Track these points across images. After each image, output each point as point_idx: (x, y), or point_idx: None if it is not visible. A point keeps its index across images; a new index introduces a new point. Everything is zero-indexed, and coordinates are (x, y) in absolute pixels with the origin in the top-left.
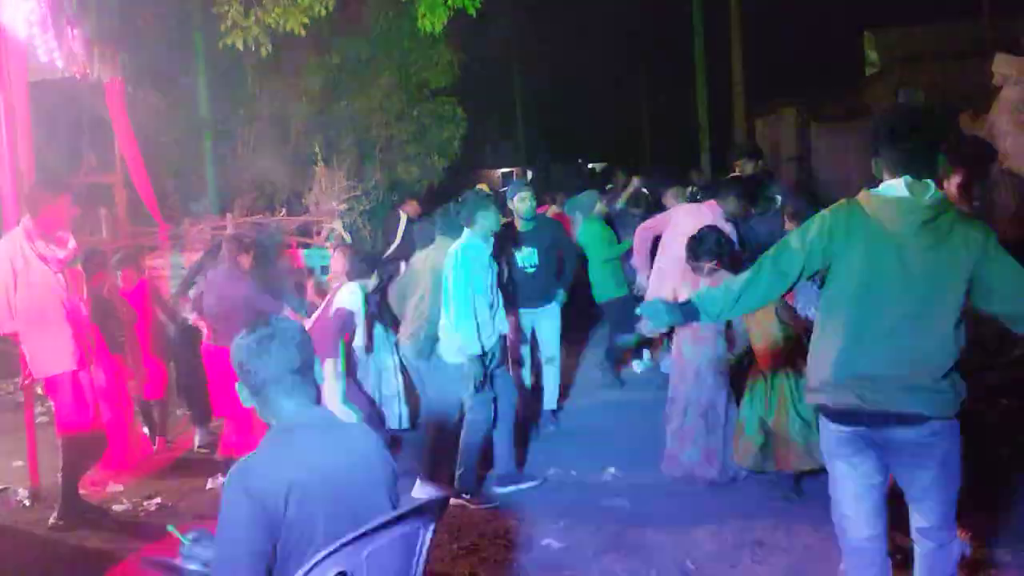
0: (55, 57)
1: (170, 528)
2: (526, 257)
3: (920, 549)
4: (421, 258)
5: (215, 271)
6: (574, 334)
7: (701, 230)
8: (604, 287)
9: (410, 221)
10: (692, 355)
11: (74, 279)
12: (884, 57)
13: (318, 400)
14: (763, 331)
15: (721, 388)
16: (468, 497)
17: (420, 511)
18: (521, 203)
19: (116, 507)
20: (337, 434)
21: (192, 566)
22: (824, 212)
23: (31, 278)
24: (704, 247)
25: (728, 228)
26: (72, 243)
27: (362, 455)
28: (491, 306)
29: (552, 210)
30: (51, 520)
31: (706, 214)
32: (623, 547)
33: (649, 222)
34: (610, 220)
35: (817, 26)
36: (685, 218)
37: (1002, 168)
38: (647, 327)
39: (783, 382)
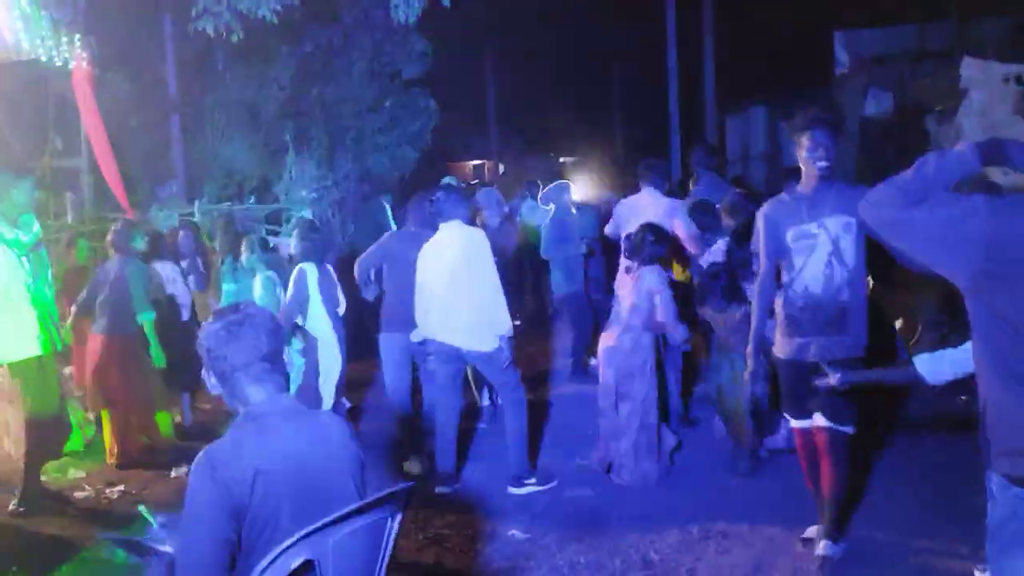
0: (21, 39)
1: (142, 510)
2: None
3: None
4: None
5: (111, 262)
6: (537, 327)
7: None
8: (558, 283)
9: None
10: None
11: (38, 263)
12: (853, 58)
13: (287, 387)
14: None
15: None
16: (535, 481)
17: (387, 500)
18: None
19: (78, 494)
20: (305, 422)
21: (158, 546)
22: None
23: None
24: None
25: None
26: (37, 227)
27: (329, 443)
28: None
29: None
30: (11, 506)
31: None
32: (587, 538)
33: None
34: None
35: (788, 26)
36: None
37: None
38: None
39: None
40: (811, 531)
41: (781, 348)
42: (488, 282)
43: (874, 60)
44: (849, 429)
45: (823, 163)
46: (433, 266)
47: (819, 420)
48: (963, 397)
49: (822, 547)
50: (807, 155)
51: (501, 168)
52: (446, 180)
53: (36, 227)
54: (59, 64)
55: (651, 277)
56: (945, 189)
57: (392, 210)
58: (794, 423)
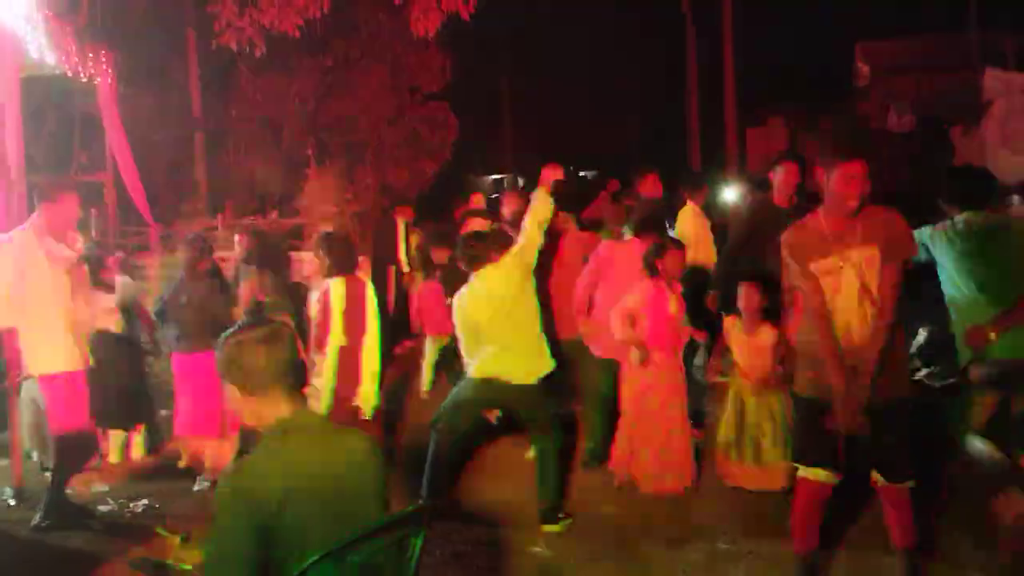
0: (46, 54)
1: (159, 530)
2: None
3: None
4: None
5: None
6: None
7: None
8: None
9: (406, 227)
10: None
11: (78, 279)
12: (874, 69)
13: (307, 403)
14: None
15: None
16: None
17: (411, 518)
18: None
19: (102, 508)
20: (331, 438)
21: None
22: None
23: (37, 276)
24: None
25: None
26: (80, 243)
27: (356, 460)
28: None
29: None
30: (35, 520)
31: None
32: (613, 555)
33: None
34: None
35: (809, 37)
36: None
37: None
38: None
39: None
40: None
41: (804, 384)
42: (537, 312)
43: (895, 71)
44: (911, 482)
45: (854, 202)
46: (497, 316)
47: (877, 478)
48: None
49: None
50: (841, 188)
51: (520, 181)
52: (474, 207)
53: (80, 243)
54: (84, 80)
55: None
56: None
57: (407, 227)
58: (807, 472)
